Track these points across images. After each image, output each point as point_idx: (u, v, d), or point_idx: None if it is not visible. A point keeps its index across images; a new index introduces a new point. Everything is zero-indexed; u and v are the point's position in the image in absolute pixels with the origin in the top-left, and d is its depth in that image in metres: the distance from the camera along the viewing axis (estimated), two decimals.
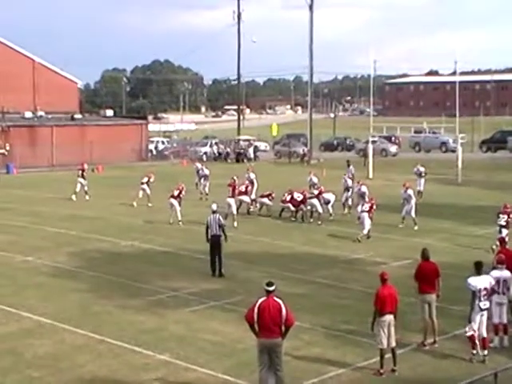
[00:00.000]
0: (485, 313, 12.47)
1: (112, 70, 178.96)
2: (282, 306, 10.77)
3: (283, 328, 10.80)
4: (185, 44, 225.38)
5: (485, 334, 12.44)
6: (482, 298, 12.36)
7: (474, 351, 12.45)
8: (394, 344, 12.10)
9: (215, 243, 18.57)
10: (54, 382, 11.72)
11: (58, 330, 14.28)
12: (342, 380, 11.84)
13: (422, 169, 33.69)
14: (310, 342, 13.49)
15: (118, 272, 18.89)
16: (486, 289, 12.38)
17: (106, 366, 12.37)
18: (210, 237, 18.69)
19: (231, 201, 26.06)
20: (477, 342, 12.36)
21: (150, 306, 15.91)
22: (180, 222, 25.99)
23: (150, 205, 30.36)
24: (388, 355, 12.06)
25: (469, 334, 12.39)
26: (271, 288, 10.88)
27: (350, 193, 29.35)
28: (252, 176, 30.92)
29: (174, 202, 26.47)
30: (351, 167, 33.70)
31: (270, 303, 10.79)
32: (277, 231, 24.97)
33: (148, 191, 30.89)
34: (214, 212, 19.07)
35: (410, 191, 25.68)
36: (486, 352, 12.41)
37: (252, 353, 12.08)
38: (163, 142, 65.25)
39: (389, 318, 12.01)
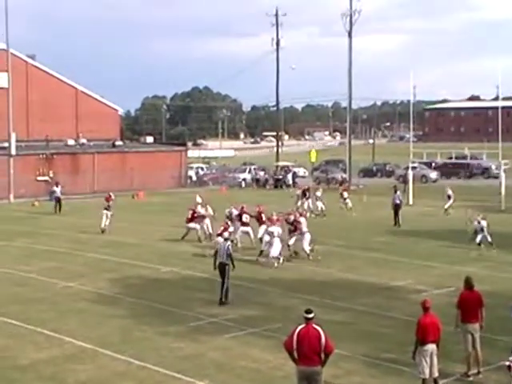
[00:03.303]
0: None
1: (152, 97, 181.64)
2: (322, 333, 10.70)
3: (323, 356, 10.72)
4: (224, 71, 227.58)
5: None
6: None
7: None
8: (436, 374, 11.89)
9: (221, 271, 18.49)
10: None
11: (100, 355, 14.40)
12: None
13: (449, 191, 37.26)
14: (350, 370, 13.35)
15: (158, 298, 19.00)
16: None
17: None
18: (218, 264, 18.60)
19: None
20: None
21: (189, 332, 15.95)
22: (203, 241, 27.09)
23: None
24: None
25: (508, 363, 12.12)
26: (310, 315, 10.83)
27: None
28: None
29: (192, 224, 27.79)
30: (398, 193, 33.70)
31: (310, 331, 10.73)
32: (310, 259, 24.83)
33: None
34: (225, 239, 19.23)
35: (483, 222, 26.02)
36: None
37: (291, 381, 11.99)
38: (202, 169, 65.77)
39: (431, 347, 11.83)
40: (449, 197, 37.07)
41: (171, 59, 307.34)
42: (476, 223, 26.31)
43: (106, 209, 31.70)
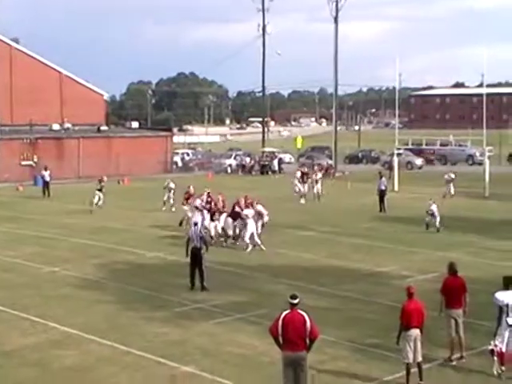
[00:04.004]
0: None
1: (137, 82, 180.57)
2: (307, 318, 10.75)
3: (308, 341, 10.78)
4: (210, 57, 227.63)
5: (504, 349, 12.27)
6: (510, 314, 12.20)
7: (503, 367, 12.30)
8: (420, 359, 12.01)
9: (195, 255, 18.36)
10: None
11: (85, 341, 14.39)
12: None
13: (452, 175, 38.15)
14: (335, 355, 13.44)
15: (144, 284, 19.00)
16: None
17: (132, 378, 12.43)
18: (190, 248, 18.48)
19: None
20: (495, 357, 12.22)
21: (175, 317, 15.98)
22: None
23: (173, 209, 31.63)
24: (414, 370, 11.97)
25: (490, 348, 12.28)
26: (295, 301, 10.88)
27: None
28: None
29: (186, 207, 27.40)
30: (383, 179, 33.86)
31: (295, 316, 10.77)
32: (299, 244, 24.92)
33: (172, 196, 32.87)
34: (195, 224, 19.08)
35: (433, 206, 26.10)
36: (503, 368, 12.27)
37: (277, 366, 12.06)
38: (188, 154, 65.62)
39: (415, 332, 11.93)
40: (447, 181, 37.78)
41: (157, 45, 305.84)
42: (428, 207, 26.63)
43: (98, 190, 32.82)
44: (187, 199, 27.83)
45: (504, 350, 12.21)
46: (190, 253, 18.49)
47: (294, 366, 10.77)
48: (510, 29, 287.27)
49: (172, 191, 33.42)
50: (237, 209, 24.25)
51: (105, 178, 34.41)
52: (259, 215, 24.49)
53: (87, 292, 18.30)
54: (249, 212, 23.97)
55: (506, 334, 12.21)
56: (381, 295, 17.66)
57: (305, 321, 10.71)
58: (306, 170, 39.39)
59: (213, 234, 24.48)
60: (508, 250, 23.38)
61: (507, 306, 12.16)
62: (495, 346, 12.20)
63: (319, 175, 38.35)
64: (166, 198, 33.50)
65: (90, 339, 14.44)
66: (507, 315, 12.17)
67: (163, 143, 58.34)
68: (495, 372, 12.19)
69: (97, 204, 32.84)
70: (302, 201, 36.41)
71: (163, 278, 19.73)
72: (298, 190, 37.45)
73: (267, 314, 15.45)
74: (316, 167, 41.94)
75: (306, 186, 37.46)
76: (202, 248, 18.55)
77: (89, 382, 12.26)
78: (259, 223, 24.51)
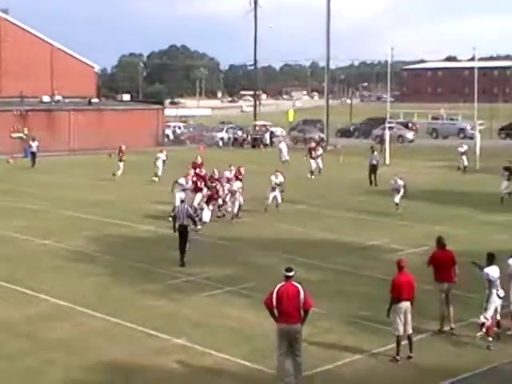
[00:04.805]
0: (501, 301, 12.60)
1: (129, 55, 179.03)
2: (301, 289, 10.84)
3: (302, 312, 10.86)
4: (202, 30, 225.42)
5: (489, 322, 12.47)
6: (499, 287, 12.51)
7: (490, 338, 12.47)
8: (410, 331, 12.11)
9: (182, 233, 18.19)
10: (71, 365, 11.85)
11: (77, 313, 14.42)
12: (358, 366, 11.88)
13: (465, 147, 38.21)
14: (327, 328, 13.53)
15: (136, 257, 19.01)
16: (499, 278, 12.55)
17: (123, 350, 12.48)
18: (177, 226, 18.27)
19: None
20: (483, 329, 12.48)
21: (167, 290, 16.02)
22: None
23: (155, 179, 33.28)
24: (404, 342, 12.09)
25: (481, 321, 12.48)
26: (291, 273, 10.97)
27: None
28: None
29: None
30: (375, 153, 33.86)
31: (289, 288, 10.86)
32: (291, 217, 24.96)
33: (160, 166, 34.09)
34: (182, 202, 19.00)
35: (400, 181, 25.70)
36: (490, 339, 12.51)
37: (268, 338, 12.16)
38: (179, 127, 65.31)
39: (405, 305, 12.02)
40: (461, 153, 37.60)
41: (149, 17, 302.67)
42: (392, 182, 25.89)
43: (120, 160, 35.04)
44: (195, 169, 26.27)
45: (493, 321, 12.42)
46: (177, 230, 18.31)
47: (288, 339, 10.85)
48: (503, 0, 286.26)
49: (163, 162, 34.13)
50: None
51: (123, 147, 35.80)
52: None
53: (79, 265, 18.30)
54: (238, 185, 24.10)
55: (494, 306, 12.47)
56: (372, 268, 17.76)
57: (299, 292, 10.79)
58: (313, 145, 39.27)
59: (235, 210, 24.18)
60: (498, 223, 23.51)
61: (496, 279, 12.41)
62: (486, 319, 12.38)
63: (320, 151, 38.26)
64: (158, 170, 33.85)
65: (82, 312, 14.47)
66: (497, 289, 12.43)
67: (155, 116, 58.00)
68: (478, 338, 12.51)
69: (118, 174, 34.57)
70: (310, 175, 36.15)
71: (155, 251, 19.73)
72: (284, 159, 39.80)
73: (258, 286, 15.52)
74: (311, 143, 41.41)
75: (313, 161, 37.04)
76: (189, 225, 18.38)
77: (80, 354, 12.30)
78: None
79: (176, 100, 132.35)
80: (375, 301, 14.53)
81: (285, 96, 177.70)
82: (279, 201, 25.88)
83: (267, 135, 58.18)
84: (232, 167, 25.78)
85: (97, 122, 53.33)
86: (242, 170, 25.72)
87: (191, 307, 14.85)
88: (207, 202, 23.68)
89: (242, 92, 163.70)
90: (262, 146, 56.15)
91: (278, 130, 67.24)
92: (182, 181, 24.67)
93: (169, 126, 62.69)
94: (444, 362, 12.01)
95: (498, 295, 12.49)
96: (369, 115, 69.95)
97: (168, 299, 15.36)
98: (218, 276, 17.10)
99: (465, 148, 38.10)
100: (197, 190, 24.54)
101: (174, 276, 17.12)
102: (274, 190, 25.76)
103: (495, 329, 12.65)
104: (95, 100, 57.61)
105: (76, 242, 20.79)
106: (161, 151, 36.05)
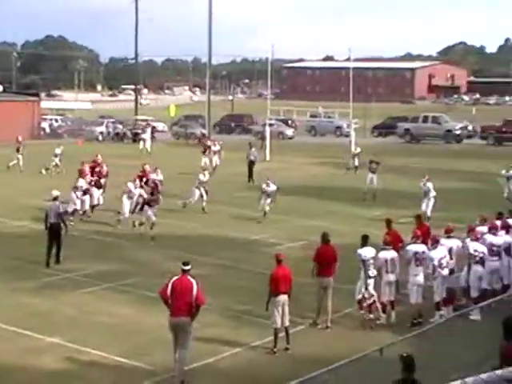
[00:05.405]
0: (373, 280, 13.56)
1: (1, 43, 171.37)
2: (195, 285, 10.98)
3: (194, 307, 10.97)
4: (81, 21, 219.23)
5: (369, 300, 13.37)
6: (371, 267, 13.53)
7: (371, 315, 13.19)
8: (287, 323, 12.41)
9: (54, 232, 17.60)
10: None
11: None
12: (237, 359, 12.05)
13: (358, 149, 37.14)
14: (207, 323, 13.54)
15: (11, 253, 18.34)
16: (372, 258, 13.60)
17: None
18: (49, 225, 17.72)
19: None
20: (364, 304, 13.46)
21: (43, 288, 15.56)
22: None
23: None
24: (282, 334, 12.36)
25: (358, 297, 13.59)
26: (187, 267, 11.14)
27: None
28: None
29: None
30: (253, 149, 34.21)
31: (183, 281, 11.01)
32: (174, 213, 24.84)
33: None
34: (54, 199, 18.06)
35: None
36: (371, 316, 13.47)
37: (148, 335, 12.09)
38: (57, 120, 63.35)
39: (283, 298, 12.30)
40: (353, 156, 36.49)
41: (23, 5, 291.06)
42: (264, 185, 24.60)
43: (17, 151, 35.17)
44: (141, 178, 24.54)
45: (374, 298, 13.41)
46: (48, 228, 17.64)
47: (175, 331, 11.01)
48: (379, 3, 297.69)
49: (58, 157, 33.98)
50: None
51: (20, 138, 35.97)
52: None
53: None
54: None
55: (369, 282, 13.43)
56: (253, 263, 18.01)
57: (192, 287, 10.94)
58: (208, 142, 38.70)
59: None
60: (374, 218, 24.42)
61: (368, 259, 13.50)
62: (364, 297, 13.29)
63: (218, 146, 37.89)
64: (52, 164, 33.83)
65: None
66: (368, 268, 13.46)
67: (30, 108, 55.88)
68: (364, 317, 13.42)
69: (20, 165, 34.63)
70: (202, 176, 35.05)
71: (32, 248, 19.02)
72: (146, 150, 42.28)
73: (138, 282, 15.39)
74: (207, 141, 40.38)
75: (207, 159, 36.10)
76: (60, 223, 17.71)
77: None
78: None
79: (53, 92, 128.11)
80: (255, 295, 14.74)
81: (167, 91, 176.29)
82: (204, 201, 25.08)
83: (149, 130, 57.42)
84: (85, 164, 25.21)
85: None
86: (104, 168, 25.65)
87: (68, 305, 14.49)
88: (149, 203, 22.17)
89: (124, 86, 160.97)
90: (141, 141, 55.29)
91: (160, 125, 66.71)
92: (130, 185, 23.37)
93: (45, 119, 60.68)
94: (319, 352, 12.35)
95: (369, 275, 13.43)
96: (250, 111, 70.70)
97: (43, 297, 14.91)
98: (97, 272, 16.77)
99: (358, 150, 38.11)
100: (97, 186, 24.56)
101: (51, 273, 16.65)
102: (198, 188, 25.15)
103: (378, 305, 13.52)
104: None
105: None
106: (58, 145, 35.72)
